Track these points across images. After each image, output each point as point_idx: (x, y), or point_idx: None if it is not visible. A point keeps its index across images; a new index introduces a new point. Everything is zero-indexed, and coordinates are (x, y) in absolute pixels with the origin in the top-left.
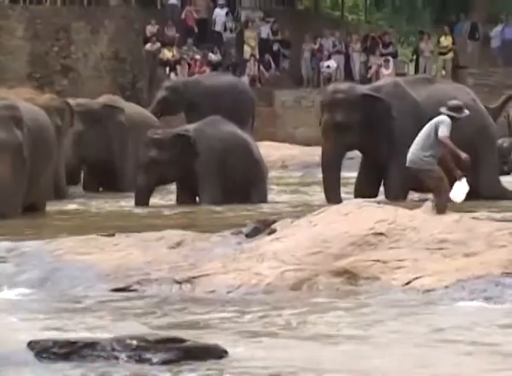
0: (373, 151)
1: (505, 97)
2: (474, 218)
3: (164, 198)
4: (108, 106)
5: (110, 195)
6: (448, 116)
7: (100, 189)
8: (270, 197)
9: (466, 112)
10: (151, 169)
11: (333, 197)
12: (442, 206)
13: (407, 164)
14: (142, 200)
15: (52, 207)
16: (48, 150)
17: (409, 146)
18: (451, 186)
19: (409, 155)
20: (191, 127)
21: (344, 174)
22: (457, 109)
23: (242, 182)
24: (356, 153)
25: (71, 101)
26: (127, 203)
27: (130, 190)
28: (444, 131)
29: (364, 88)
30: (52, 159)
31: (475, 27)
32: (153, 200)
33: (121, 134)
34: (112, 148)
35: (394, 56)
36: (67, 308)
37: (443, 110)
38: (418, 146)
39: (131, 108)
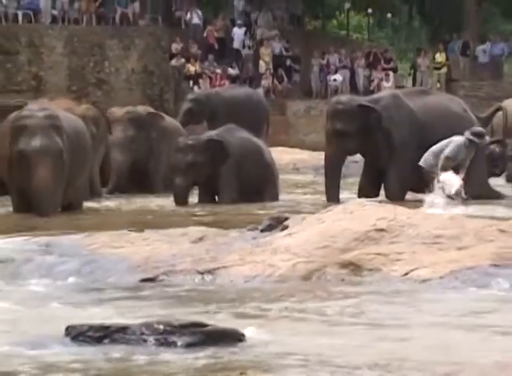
0: (372, 155)
1: (494, 108)
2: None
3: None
4: (152, 113)
5: (142, 195)
6: (469, 139)
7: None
8: (282, 196)
9: (487, 139)
10: (188, 171)
11: (332, 196)
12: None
13: (421, 164)
14: (183, 200)
15: (88, 205)
16: (85, 154)
17: (405, 151)
18: None
19: (423, 158)
20: (212, 134)
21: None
22: (479, 135)
23: (255, 184)
24: (360, 157)
25: (118, 109)
26: (156, 202)
27: (161, 191)
28: (445, 153)
29: (364, 100)
30: (88, 163)
31: (466, 45)
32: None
33: (160, 139)
34: (151, 151)
35: (394, 70)
36: (101, 296)
37: (466, 133)
38: (430, 154)
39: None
